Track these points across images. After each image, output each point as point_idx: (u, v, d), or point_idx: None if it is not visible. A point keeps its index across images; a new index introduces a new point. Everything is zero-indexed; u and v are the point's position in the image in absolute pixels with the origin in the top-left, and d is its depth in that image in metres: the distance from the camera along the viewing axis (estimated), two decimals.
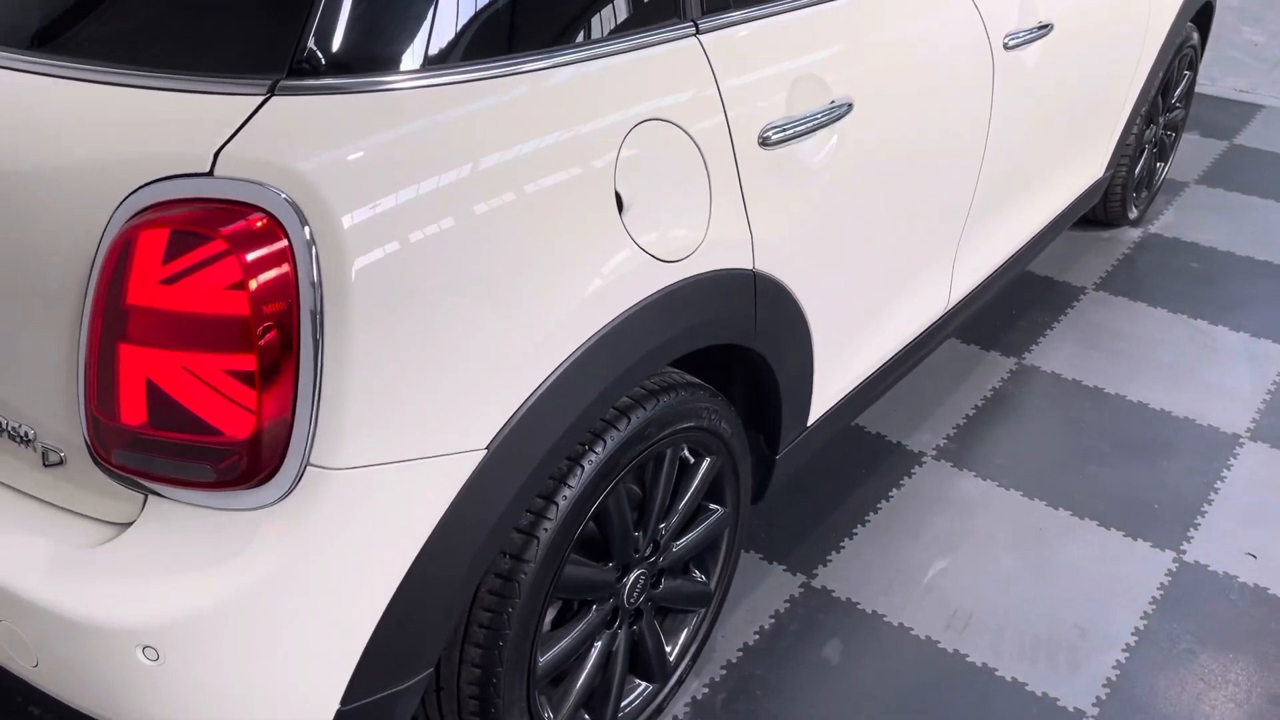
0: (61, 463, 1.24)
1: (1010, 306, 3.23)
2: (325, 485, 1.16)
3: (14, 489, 1.30)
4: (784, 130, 1.59)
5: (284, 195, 1.10)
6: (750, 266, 1.58)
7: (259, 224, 1.09)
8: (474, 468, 1.27)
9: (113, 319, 1.12)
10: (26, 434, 1.25)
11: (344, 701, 1.29)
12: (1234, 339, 3.10)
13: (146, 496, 1.22)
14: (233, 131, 1.12)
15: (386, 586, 1.25)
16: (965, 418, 2.72)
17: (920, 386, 2.84)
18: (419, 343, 1.18)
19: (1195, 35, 3.59)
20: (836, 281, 1.84)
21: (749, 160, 1.54)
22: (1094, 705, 1.94)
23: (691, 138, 1.45)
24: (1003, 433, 2.67)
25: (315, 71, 1.17)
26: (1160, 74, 3.31)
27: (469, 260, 1.21)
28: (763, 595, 2.16)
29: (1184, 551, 2.30)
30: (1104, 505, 2.42)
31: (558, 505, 1.43)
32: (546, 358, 1.30)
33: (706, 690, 1.95)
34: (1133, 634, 2.09)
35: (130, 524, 1.23)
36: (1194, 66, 3.75)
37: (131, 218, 1.11)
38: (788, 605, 2.14)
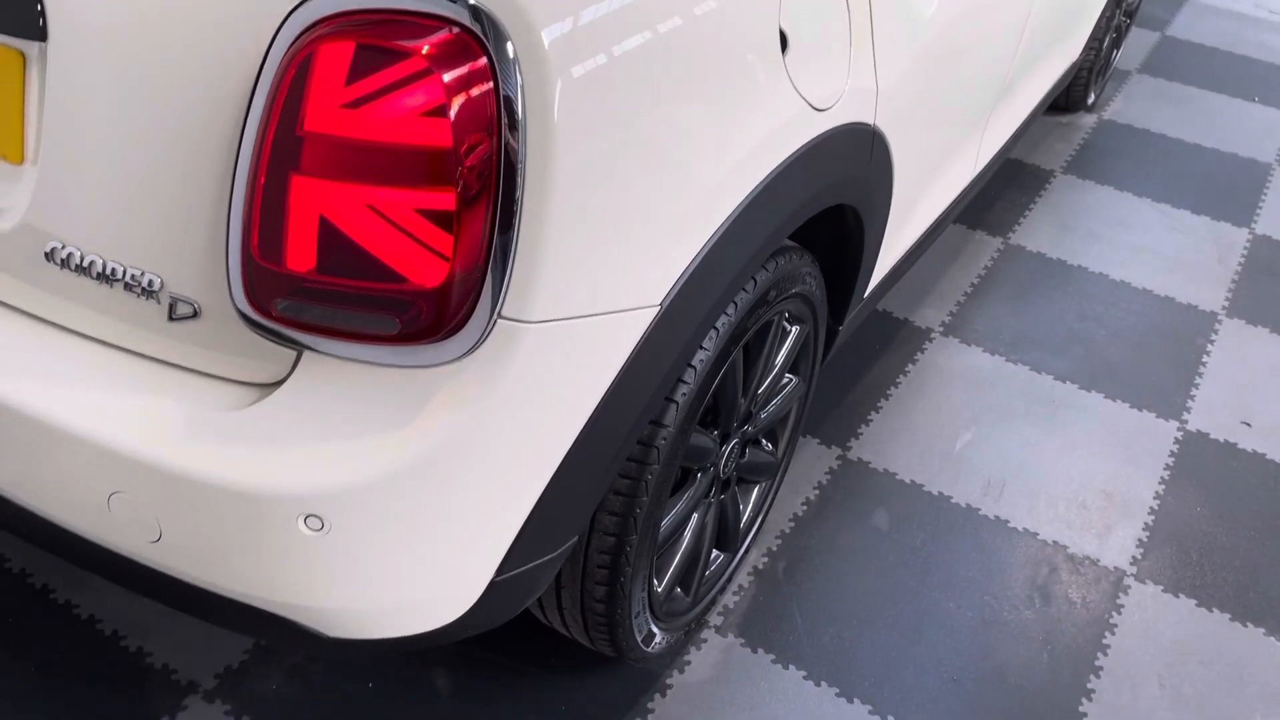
0: (194, 315, 1.09)
1: (988, 187, 3.26)
2: (515, 340, 1.06)
3: (126, 350, 1.15)
4: None
5: (483, 8, 0.96)
6: (872, 122, 1.51)
7: (460, 40, 0.96)
8: (647, 325, 1.18)
9: (284, 148, 0.97)
10: (150, 284, 1.09)
11: (499, 571, 1.21)
12: (1196, 221, 3.21)
13: (300, 353, 1.09)
14: None
15: (558, 450, 1.17)
16: (965, 294, 2.75)
17: (918, 264, 2.85)
18: (609, 186, 1.08)
19: None
20: (918, 143, 1.79)
21: (880, 2, 1.46)
22: (1131, 564, 2.02)
23: None
24: (1002, 309, 2.71)
25: None
26: None
27: (658, 94, 1.11)
28: (804, 467, 2.15)
29: (1186, 421, 2.40)
30: (1106, 378, 2.50)
31: (695, 369, 1.36)
32: (718, 207, 1.22)
33: (766, 560, 1.94)
34: (1154, 498, 2.18)
35: (277, 385, 1.10)
36: None
37: (307, 30, 0.96)
38: (829, 477, 2.14)
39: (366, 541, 1.10)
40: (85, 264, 1.11)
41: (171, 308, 1.10)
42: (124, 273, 1.10)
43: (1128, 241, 3.06)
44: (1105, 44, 3.56)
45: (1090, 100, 3.73)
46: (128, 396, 1.12)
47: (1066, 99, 3.66)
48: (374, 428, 1.07)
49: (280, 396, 1.09)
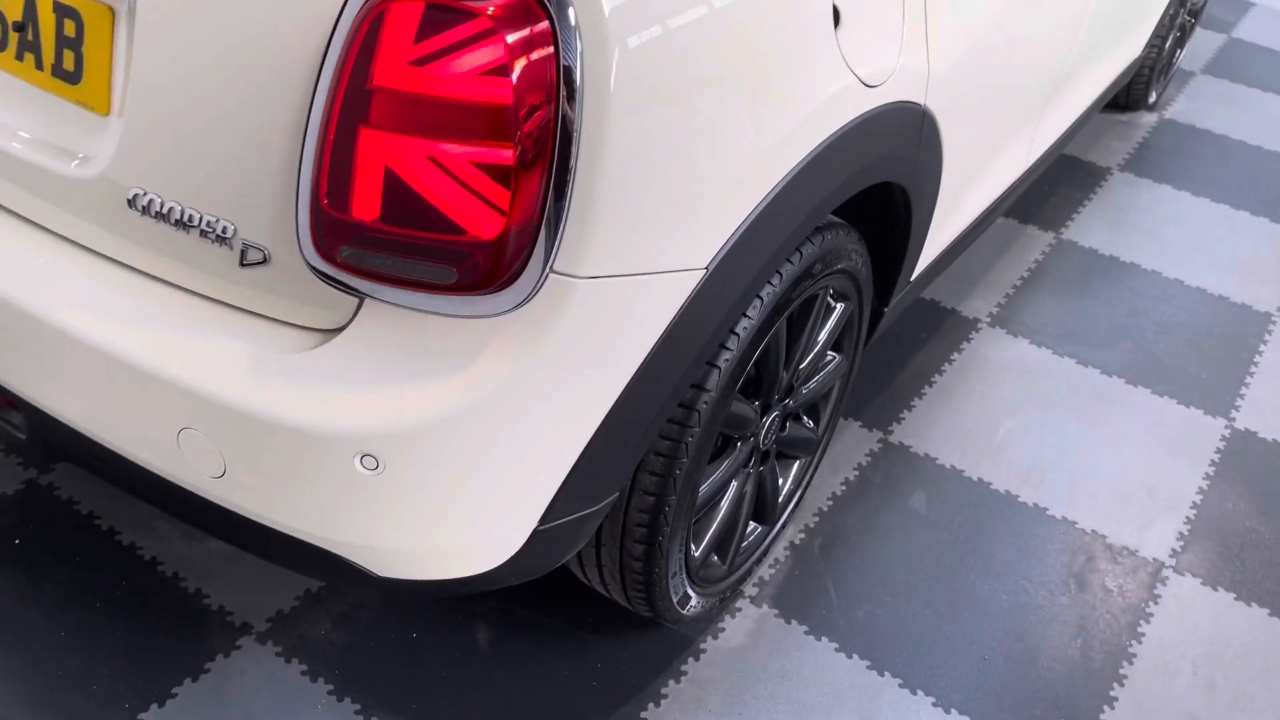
0: (264, 262, 1.16)
1: (1042, 183, 3.25)
2: (566, 294, 1.11)
3: (198, 294, 1.21)
4: None
5: None
6: (922, 102, 1.54)
7: (524, 3, 1.01)
8: (692, 288, 1.22)
9: (354, 101, 1.03)
10: (224, 230, 1.15)
11: (542, 520, 1.26)
12: (1255, 224, 3.18)
13: (361, 301, 1.15)
14: None
15: (603, 405, 1.21)
16: (1013, 287, 2.75)
17: (967, 255, 2.85)
18: (661, 151, 1.12)
19: None
20: (969, 128, 1.81)
21: None
22: (1171, 556, 2.02)
23: None
24: (1050, 303, 2.71)
25: None
26: None
27: (711, 65, 1.15)
28: (844, 449, 2.18)
29: (1234, 419, 2.38)
30: (1154, 374, 2.49)
31: (738, 336, 1.40)
32: (764, 177, 1.25)
33: (803, 536, 1.98)
34: (1198, 493, 2.17)
35: (339, 331, 1.16)
36: None
37: None
38: (869, 459, 2.17)
39: (418, 483, 1.16)
40: (164, 210, 1.18)
41: (243, 254, 1.16)
42: (200, 219, 1.16)
43: (1183, 240, 3.04)
44: (1168, 43, 3.52)
45: (1151, 99, 3.70)
46: (199, 338, 1.19)
47: (1127, 97, 3.63)
48: (428, 374, 1.12)
49: (341, 342, 1.15)
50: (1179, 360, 2.55)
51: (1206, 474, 2.22)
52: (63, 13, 1.20)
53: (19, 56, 1.25)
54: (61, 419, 1.32)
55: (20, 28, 1.24)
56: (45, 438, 1.41)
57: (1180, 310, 2.74)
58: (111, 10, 1.16)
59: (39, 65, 1.24)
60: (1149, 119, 3.72)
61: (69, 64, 1.22)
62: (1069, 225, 3.05)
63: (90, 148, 1.22)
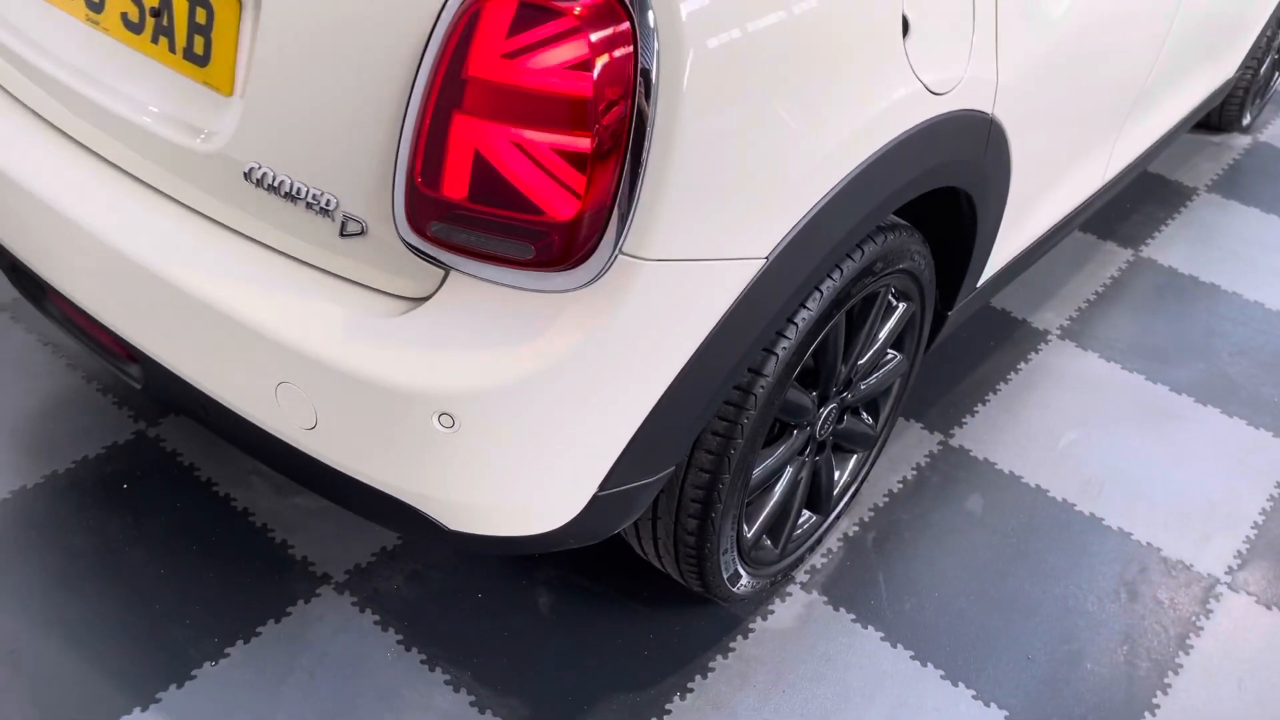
0: (361, 233, 1.27)
1: (1124, 200, 3.24)
2: (633, 274, 1.20)
3: (301, 261, 1.33)
4: None
5: None
6: (990, 111, 1.59)
7: (608, 5, 1.10)
8: (753, 276, 1.30)
9: (450, 89, 1.13)
10: (327, 203, 1.27)
11: (602, 486, 1.35)
12: None
13: (446, 273, 1.25)
14: None
15: (662, 381, 1.30)
16: (1087, 301, 2.76)
17: (1042, 268, 2.87)
18: (728, 146, 1.20)
19: None
20: (1039, 139, 1.85)
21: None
22: (1226, 573, 2.03)
23: None
24: (1124, 318, 2.71)
25: None
26: None
27: (780, 67, 1.22)
28: (903, 449, 2.23)
29: None
30: (1225, 394, 2.49)
31: (797, 326, 1.47)
32: (826, 175, 1.33)
33: (857, 529, 2.04)
34: (1260, 513, 2.17)
35: (425, 300, 1.27)
36: None
37: None
38: (928, 460, 2.21)
39: (489, 442, 1.26)
40: (276, 183, 1.30)
41: (343, 225, 1.28)
42: (307, 192, 1.28)
43: (1268, 264, 3.01)
44: (1265, 65, 3.48)
45: (1245, 121, 3.65)
46: (300, 301, 1.31)
47: (1219, 118, 3.59)
48: (503, 342, 1.22)
49: (427, 310, 1.25)
50: (1253, 382, 2.54)
51: (1271, 495, 2.22)
52: (195, 1, 1.33)
53: (154, 40, 1.39)
54: (174, 370, 1.45)
55: (156, 14, 1.37)
56: (158, 388, 1.56)
57: (1258, 333, 2.72)
58: (239, 2, 1.29)
59: (171, 48, 1.37)
60: (1241, 141, 3.67)
61: (198, 48, 1.35)
62: (1149, 243, 3.04)
63: (214, 125, 1.35)
